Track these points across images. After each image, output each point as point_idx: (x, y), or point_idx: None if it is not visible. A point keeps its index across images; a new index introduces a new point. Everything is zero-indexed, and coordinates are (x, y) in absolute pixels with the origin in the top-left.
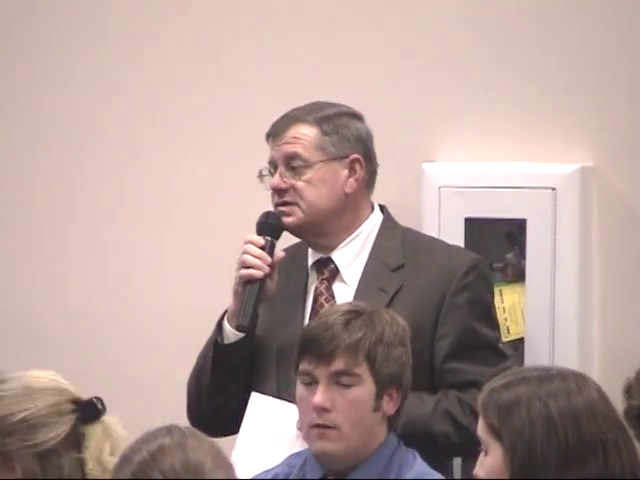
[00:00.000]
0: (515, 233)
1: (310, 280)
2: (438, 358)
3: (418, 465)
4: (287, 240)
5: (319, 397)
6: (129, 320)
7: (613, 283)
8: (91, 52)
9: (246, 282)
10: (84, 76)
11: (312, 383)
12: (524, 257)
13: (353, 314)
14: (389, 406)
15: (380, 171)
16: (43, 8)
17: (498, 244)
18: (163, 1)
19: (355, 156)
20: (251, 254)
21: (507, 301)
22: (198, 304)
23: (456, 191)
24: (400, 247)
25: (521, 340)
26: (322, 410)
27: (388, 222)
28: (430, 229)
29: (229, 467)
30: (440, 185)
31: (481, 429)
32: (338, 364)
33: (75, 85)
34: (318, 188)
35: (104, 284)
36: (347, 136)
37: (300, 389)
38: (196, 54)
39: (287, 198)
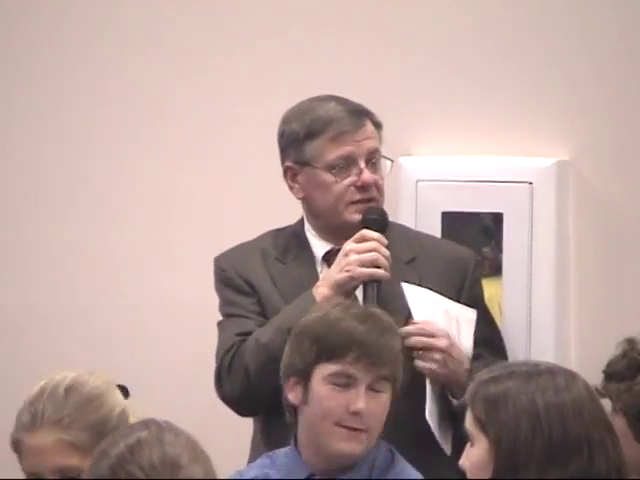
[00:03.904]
0: (492, 227)
1: (321, 271)
2: None
3: (398, 464)
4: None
5: (363, 403)
6: (117, 315)
7: (589, 276)
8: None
9: (368, 281)
10: (74, 75)
11: (347, 385)
12: (501, 251)
13: (378, 317)
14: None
15: None
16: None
17: (475, 238)
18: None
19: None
20: (382, 254)
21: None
22: (188, 300)
23: (433, 185)
24: (404, 241)
25: None
26: (360, 415)
27: None
28: (407, 223)
29: (206, 460)
30: (417, 179)
31: (468, 421)
32: (384, 370)
33: (67, 84)
34: (383, 182)
35: (92, 279)
36: (380, 125)
37: (327, 389)
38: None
39: (373, 193)
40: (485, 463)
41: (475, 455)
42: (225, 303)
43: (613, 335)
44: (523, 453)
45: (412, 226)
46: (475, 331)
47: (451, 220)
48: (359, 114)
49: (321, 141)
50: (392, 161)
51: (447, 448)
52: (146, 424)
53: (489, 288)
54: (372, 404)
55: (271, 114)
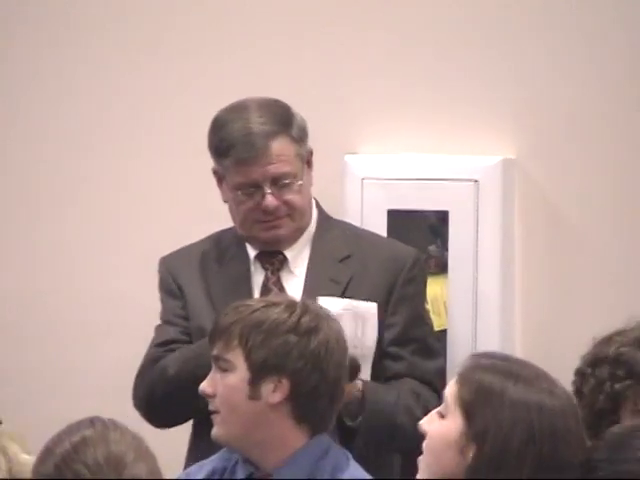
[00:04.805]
0: (437, 225)
1: (254, 270)
2: (384, 343)
3: (352, 469)
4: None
5: (203, 383)
6: (53, 311)
7: (534, 274)
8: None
9: None
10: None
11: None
12: (446, 249)
13: (256, 301)
14: (273, 395)
15: None
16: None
17: (421, 236)
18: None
19: (310, 148)
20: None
21: (430, 293)
22: (128, 295)
23: (379, 183)
24: (342, 239)
25: (444, 332)
26: (206, 396)
27: (323, 215)
28: (353, 221)
29: (151, 458)
30: (363, 177)
31: (451, 393)
32: (216, 349)
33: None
34: (304, 194)
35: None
36: (305, 130)
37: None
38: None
39: (279, 214)
40: (452, 441)
41: (444, 427)
42: (161, 306)
43: (558, 331)
44: (514, 458)
45: (358, 224)
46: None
47: (397, 218)
48: (255, 137)
49: (227, 163)
50: (300, 183)
51: None
52: (91, 422)
53: (435, 286)
54: (212, 385)
55: None
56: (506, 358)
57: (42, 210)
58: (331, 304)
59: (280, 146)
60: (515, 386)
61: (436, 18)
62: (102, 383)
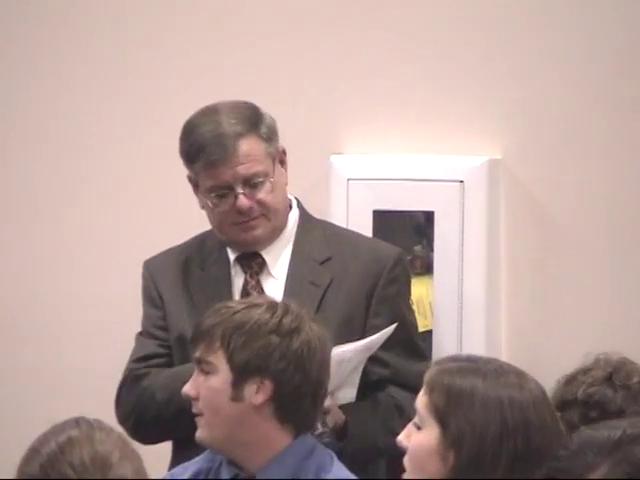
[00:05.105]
0: (423, 225)
1: (234, 273)
2: None
3: (336, 469)
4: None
5: (185, 385)
6: (42, 313)
7: (520, 275)
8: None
9: None
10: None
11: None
12: (432, 249)
13: (236, 303)
14: (256, 397)
15: (289, 163)
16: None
17: (406, 236)
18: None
19: (282, 146)
20: None
21: (415, 293)
22: (113, 297)
23: (364, 183)
24: (323, 240)
25: (429, 332)
26: (189, 398)
27: (305, 215)
28: (338, 221)
29: (137, 458)
30: (348, 177)
31: (422, 404)
32: (198, 351)
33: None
34: (276, 193)
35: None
36: (274, 130)
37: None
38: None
39: (253, 214)
40: (432, 451)
41: (422, 439)
42: (143, 312)
43: (543, 332)
44: (489, 457)
45: (343, 225)
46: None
47: (382, 219)
48: (224, 138)
49: (197, 167)
50: (271, 181)
51: None
52: (77, 422)
53: (420, 287)
54: (195, 387)
55: None
56: (470, 359)
57: (41, 210)
58: (352, 350)
59: (248, 146)
60: (484, 384)
61: (423, 19)
62: (100, 384)
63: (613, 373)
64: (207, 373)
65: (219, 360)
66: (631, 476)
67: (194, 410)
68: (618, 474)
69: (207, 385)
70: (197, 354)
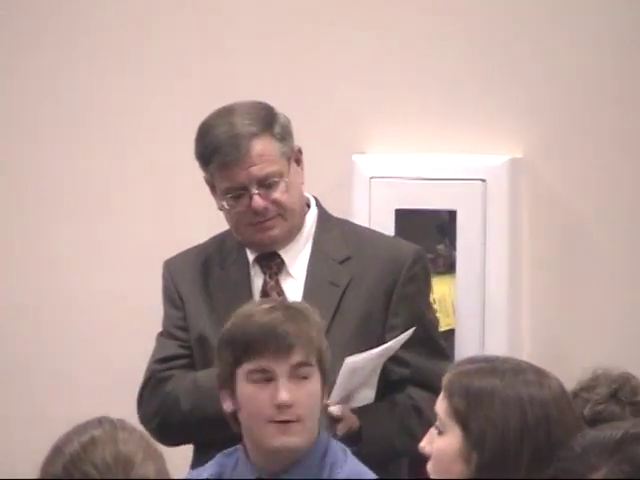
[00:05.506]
0: (445, 224)
1: (253, 274)
2: None
3: (350, 463)
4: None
5: (285, 394)
6: (64, 312)
7: (542, 274)
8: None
9: None
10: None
11: (268, 380)
12: (454, 248)
13: (283, 308)
14: (324, 396)
15: (311, 163)
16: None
17: (428, 235)
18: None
19: (298, 146)
20: None
21: (437, 292)
22: (133, 296)
23: (387, 182)
24: (342, 239)
25: (451, 331)
26: (286, 406)
27: (324, 214)
28: (361, 220)
29: (160, 459)
30: (371, 176)
31: (442, 408)
32: (297, 356)
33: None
34: (292, 192)
35: (39, 279)
36: (288, 129)
37: (250, 388)
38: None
39: (269, 214)
40: (456, 454)
41: (444, 444)
42: (163, 312)
43: (566, 330)
44: (512, 454)
45: (365, 224)
46: (401, 332)
47: (405, 218)
48: (237, 139)
49: (212, 169)
50: (286, 181)
51: None
52: (99, 422)
53: (442, 285)
54: (298, 393)
55: None
56: (488, 359)
57: (66, 210)
58: (365, 359)
59: (262, 146)
60: (502, 383)
61: (443, 19)
62: (122, 383)
63: (618, 389)
64: (304, 378)
65: (315, 363)
66: (633, 476)
67: (286, 417)
68: (619, 474)
69: (307, 390)
70: (296, 360)
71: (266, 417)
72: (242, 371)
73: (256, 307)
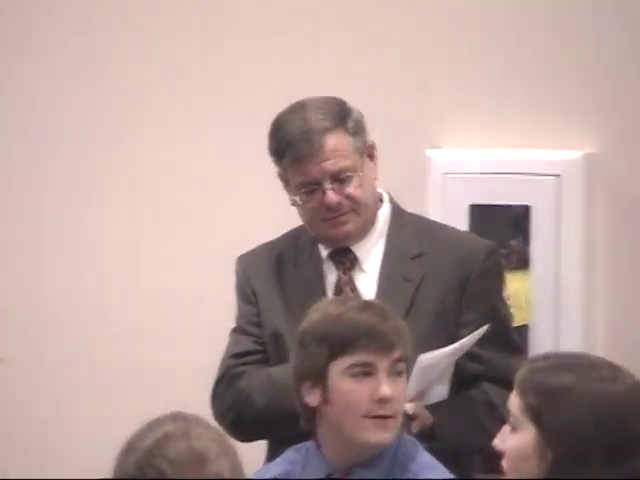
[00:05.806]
0: (519, 220)
1: (327, 270)
2: None
3: (421, 456)
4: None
5: (387, 388)
6: (137, 310)
7: (617, 269)
8: (89, 50)
9: None
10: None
11: (368, 374)
12: (528, 244)
13: (376, 305)
14: None
15: (385, 158)
16: (40, 7)
17: (502, 231)
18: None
19: (371, 141)
20: None
21: (511, 288)
22: (206, 293)
23: (461, 178)
24: (415, 235)
25: (525, 327)
26: (386, 401)
27: (397, 210)
28: (435, 216)
29: (234, 454)
30: (445, 172)
31: (515, 406)
32: (397, 352)
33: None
34: (365, 187)
35: (102, 275)
36: (362, 124)
37: (349, 382)
38: (196, 53)
39: (342, 209)
40: (530, 452)
41: (519, 442)
42: (237, 308)
43: None
44: (588, 451)
45: (439, 219)
46: (475, 328)
47: (479, 213)
48: (311, 134)
49: (286, 164)
50: (360, 176)
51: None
52: (173, 417)
53: (516, 281)
54: (395, 389)
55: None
56: (560, 355)
57: (134, 209)
58: (437, 357)
59: (335, 141)
60: (576, 379)
61: (517, 12)
62: (195, 379)
63: None
64: (400, 374)
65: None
66: None
67: (385, 412)
68: None
69: (402, 386)
70: (396, 355)
71: (364, 411)
72: (338, 366)
73: (340, 305)
